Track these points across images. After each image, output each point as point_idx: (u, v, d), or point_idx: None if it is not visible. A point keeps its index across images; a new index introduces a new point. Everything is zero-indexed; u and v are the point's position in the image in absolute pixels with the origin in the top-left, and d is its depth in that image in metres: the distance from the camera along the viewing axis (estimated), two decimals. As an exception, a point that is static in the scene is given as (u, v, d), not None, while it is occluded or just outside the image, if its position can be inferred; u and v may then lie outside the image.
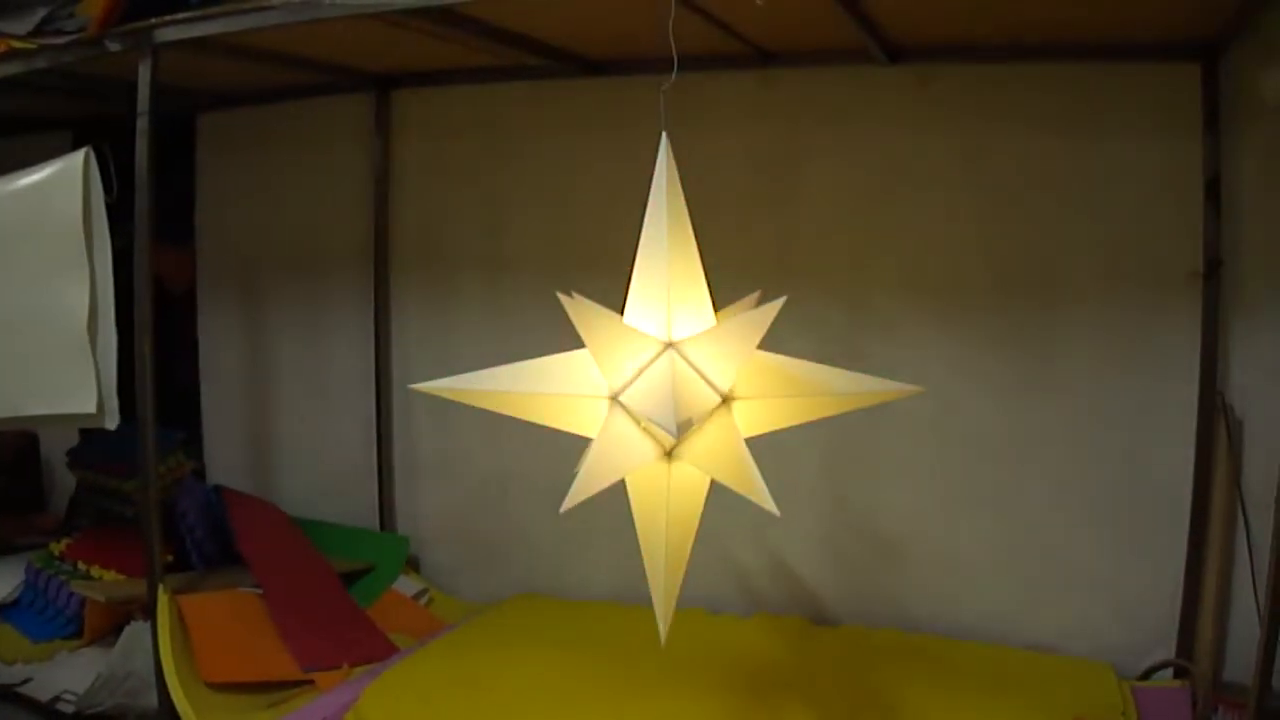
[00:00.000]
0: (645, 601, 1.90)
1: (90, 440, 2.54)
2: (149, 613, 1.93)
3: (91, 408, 1.87)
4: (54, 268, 1.85)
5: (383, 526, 2.73)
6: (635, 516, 1.30)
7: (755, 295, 1.46)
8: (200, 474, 2.96)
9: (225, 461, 3.01)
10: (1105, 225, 1.95)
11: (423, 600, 2.55)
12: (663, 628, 1.31)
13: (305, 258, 2.83)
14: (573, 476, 1.19)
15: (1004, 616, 2.06)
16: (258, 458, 2.96)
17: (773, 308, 1.18)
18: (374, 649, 2.16)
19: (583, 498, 1.23)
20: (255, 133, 2.86)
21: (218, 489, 2.59)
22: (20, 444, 3.07)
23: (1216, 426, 1.86)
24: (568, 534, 2.39)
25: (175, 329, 3.02)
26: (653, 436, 1.21)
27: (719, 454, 1.22)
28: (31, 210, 1.86)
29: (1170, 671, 1.91)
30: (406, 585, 2.57)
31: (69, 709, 1.95)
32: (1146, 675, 1.90)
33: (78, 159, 1.84)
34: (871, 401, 1.30)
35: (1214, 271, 1.85)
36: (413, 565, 2.69)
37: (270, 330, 2.91)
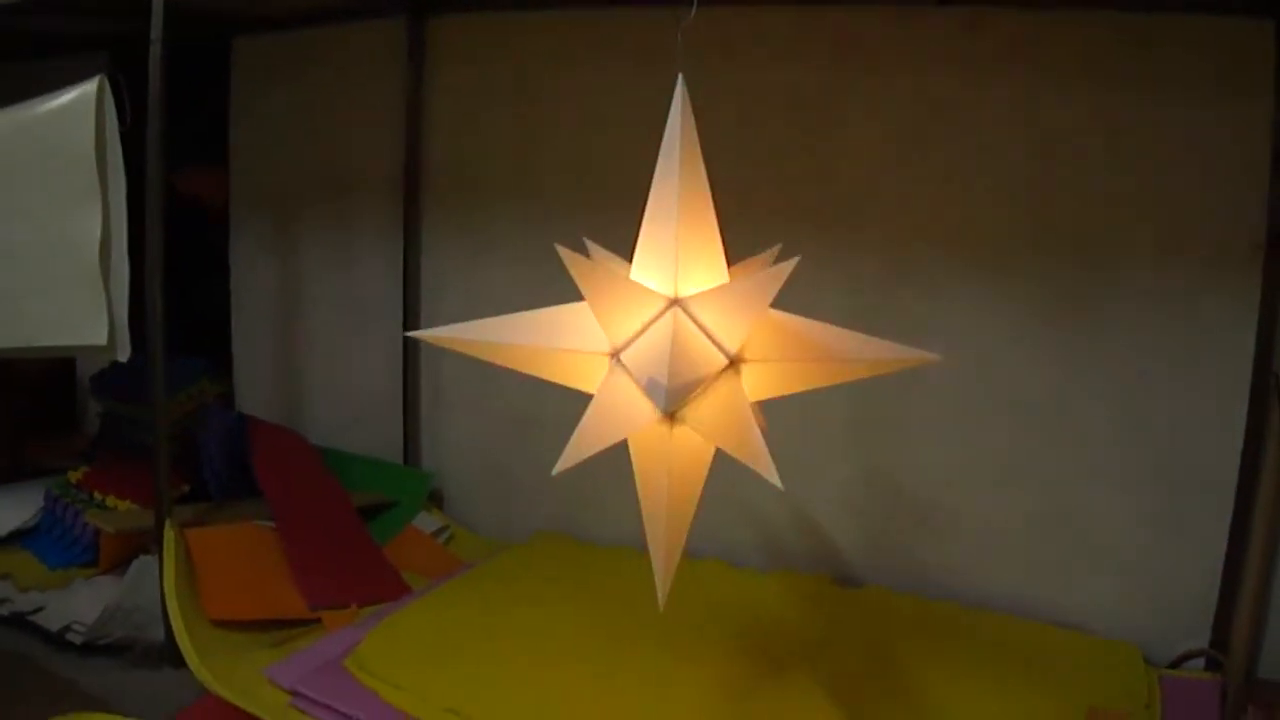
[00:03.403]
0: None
1: (113, 367, 2.53)
2: (155, 546, 1.92)
3: (103, 340, 1.84)
4: (66, 197, 1.81)
5: (407, 460, 2.71)
6: (636, 479, 1.24)
7: (774, 250, 1.38)
8: (230, 400, 2.96)
9: (254, 388, 3.01)
10: (1161, 189, 1.82)
11: (443, 538, 2.52)
12: (661, 595, 1.26)
13: (337, 184, 2.78)
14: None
15: (1031, 590, 1.99)
16: (286, 385, 2.96)
17: (786, 266, 1.11)
18: (386, 589, 2.15)
19: (577, 460, 1.18)
20: (289, 57, 2.81)
21: (241, 417, 2.58)
22: (52, 363, 3.08)
23: (1269, 410, 1.75)
24: (595, 474, 2.32)
25: (213, 249, 3.01)
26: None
27: (723, 419, 1.15)
28: (43, 138, 1.82)
29: (1202, 663, 1.82)
30: (427, 522, 2.55)
31: (78, 639, 1.96)
32: (1176, 664, 1.82)
33: (91, 87, 1.79)
34: (890, 369, 1.22)
35: (1278, 245, 1.73)
36: (436, 501, 2.67)
37: (301, 257, 2.88)
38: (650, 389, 1.04)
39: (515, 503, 2.56)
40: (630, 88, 2.25)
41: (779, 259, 1.27)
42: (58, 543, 2.22)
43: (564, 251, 1.12)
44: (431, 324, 2.62)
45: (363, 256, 2.75)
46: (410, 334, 1.29)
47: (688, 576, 2.17)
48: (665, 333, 1.12)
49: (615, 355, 1.18)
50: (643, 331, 1.17)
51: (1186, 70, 1.79)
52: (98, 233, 1.80)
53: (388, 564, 2.27)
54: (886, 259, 2.06)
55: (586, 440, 1.17)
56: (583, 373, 1.23)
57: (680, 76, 1.18)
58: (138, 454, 2.40)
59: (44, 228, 1.82)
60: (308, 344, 2.91)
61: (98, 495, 2.22)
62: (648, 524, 1.24)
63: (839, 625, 1.94)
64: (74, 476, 2.30)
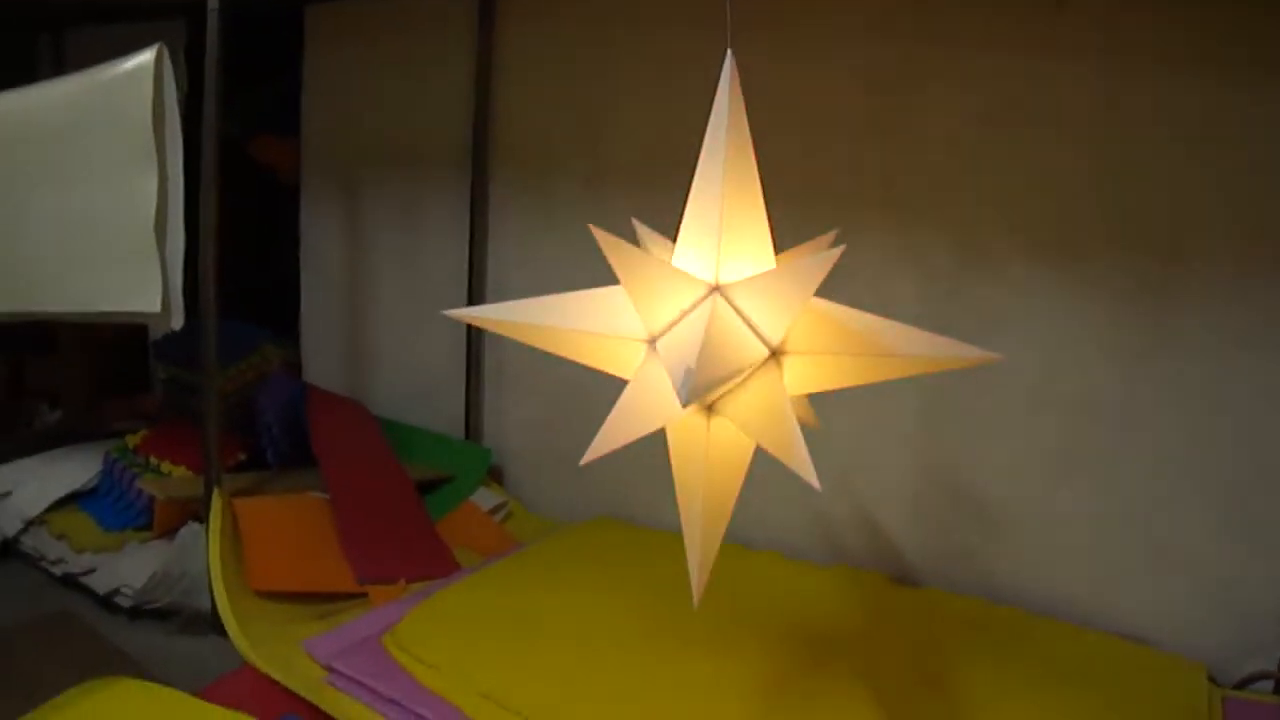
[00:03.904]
0: (731, 539, 1.79)
1: (175, 332, 2.56)
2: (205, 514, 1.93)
3: (156, 307, 1.85)
4: (123, 164, 1.81)
5: (468, 435, 2.70)
6: (674, 471, 1.20)
7: (830, 235, 1.31)
8: (297, 369, 2.99)
9: (321, 358, 3.03)
10: (1246, 186, 1.70)
11: (500, 515, 2.51)
12: (696, 593, 1.21)
13: (406, 155, 2.78)
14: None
15: (1094, 596, 1.89)
16: (352, 356, 2.97)
17: (832, 254, 1.04)
18: (436, 565, 2.13)
19: (606, 450, 1.13)
20: (361, 25, 2.80)
21: (302, 387, 2.59)
22: (128, 324, 3.14)
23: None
24: (657, 456, 2.30)
25: (287, 220, 3.03)
26: (692, 387, 1.10)
27: (761, 413, 1.10)
28: (102, 106, 1.82)
29: (1270, 685, 1.71)
30: (486, 498, 2.54)
31: (126, 603, 1.99)
32: (1242, 685, 1.72)
33: (149, 55, 1.79)
34: (943, 367, 1.14)
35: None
36: (496, 477, 2.65)
37: (369, 228, 2.88)
38: (678, 380, 0.99)
39: (576, 483, 2.53)
40: (704, 58, 2.18)
41: (838, 244, 1.20)
42: (114, 505, 2.25)
43: (599, 234, 1.06)
44: (498, 298, 2.59)
45: (430, 229, 2.73)
46: (447, 312, 1.25)
47: (741, 567, 2.14)
48: (702, 321, 1.06)
49: (653, 342, 1.13)
50: (681, 319, 1.11)
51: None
52: (154, 200, 1.81)
53: (440, 540, 2.25)
54: (960, 248, 1.97)
55: (618, 430, 1.12)
56: (620, 359, 1.18)
57: (730, 52, 1.11)
58: (197, 420, 2.43)
59: (101, 194, 1.83)
60: (374, 316, 2.91)
61: (154, 460, 2.25)
62: (684, 518, 1.19)
63: (891, 626, 1.87)
64: (132, 441, 2.33)
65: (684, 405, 0.94)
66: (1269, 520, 1.73)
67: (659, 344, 1.12)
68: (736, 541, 2.15)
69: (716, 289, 1.10)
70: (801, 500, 2.16)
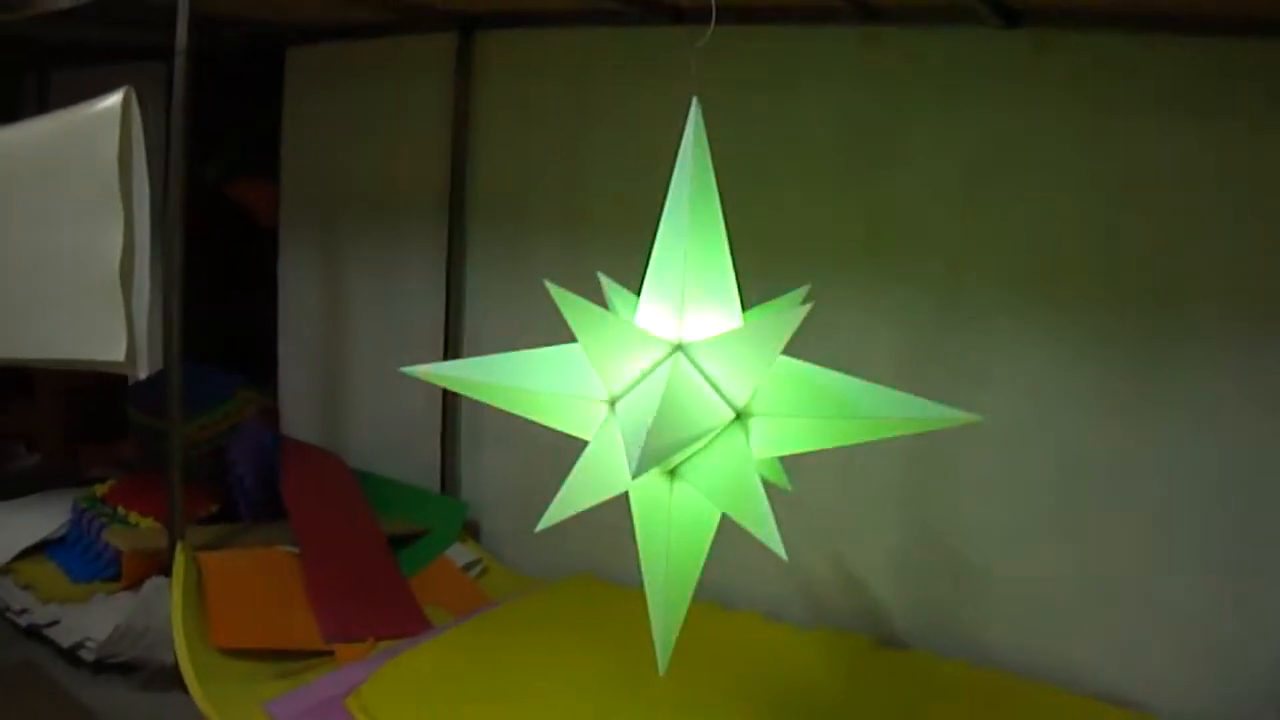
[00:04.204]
0: (710, 596, 1.72)
1: (149, 379, 2.51)
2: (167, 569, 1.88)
3: (120, 355, 1.80)
4: (89, 210, 1.78)
5: (444, 489, 2.64)
6: (638, 537, 1.14)
7: (802, 290, 1.26)
8: (275, 418, 2.93)
9: (299, 405, 2.97)
10: (1238, 227, 1.66)
11: (474, 571, 2.44)
12: (662, 660, 1.15)
13: (384, 200, 2.74)
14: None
15: (1086, 660, 1.82)
16: (329, 404, 2.91)
17: (799, 311, 0.99)
18: (404, 624, 2.07)
19: (563, 516, 1.08)
20: (340, 69, 2.79)
21: (275, 437, 2.54)
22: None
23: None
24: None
25: (265, 264, 2.99)
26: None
27: (725, 479, 1.05)
28: (68, 149, 1.79)
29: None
30: (460, 554, 2.47)
31: (89, 656, 1.93)
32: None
33: (116, 98, 1.76)
34: (920, 429, 1.09)
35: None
36: (472, 532, 2.58)
37: (347, 274, 2.84)
38: (632, 446, 0.93)
39: (554, 538, 2.44)
40: (680, 106, 2.16)
41: (811, 299, 1.16)
42: (83, 556, 2.19)
43: (555, 290, 1.02)
44: (474, 349, 2.55)
45: (408, 277, 2.69)
46: (406, 370, 1.20)
47: (718, 630, 2.07)
48: (661, 383, 1.01)
49: (613, 402, 1.08)
50: (642, 379, 1.06)
51: (1265, 99, 1.63)
52: (118, 245, 1.77)
53: (411, 597, 2.19)
54: (943, 300, 1.92)
55: (576, 495, 1.07)
56: (580, 419, 1.13)
57: (695, 99, 1.08)
58: (166, 469, 2.38)
59: (66, 238, 1.79)
60: (351, 364, 2.86)
61: (122, 510, 2.20)
62: (648, 585, 1.13)
63: (876, 691, 1.81)
64: (100, 490, 2.28)
65: (633, 477, 0.88)
66: (1265, 584, 1.67)
67: (618, 406, 1.07)
68: (713, 599, 2.09)
69: (679, 348, 1.06)
70: (781, 561, 2.09)
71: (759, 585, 2.11)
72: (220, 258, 3.16)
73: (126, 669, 1.94)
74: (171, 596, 1.81)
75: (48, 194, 1.81)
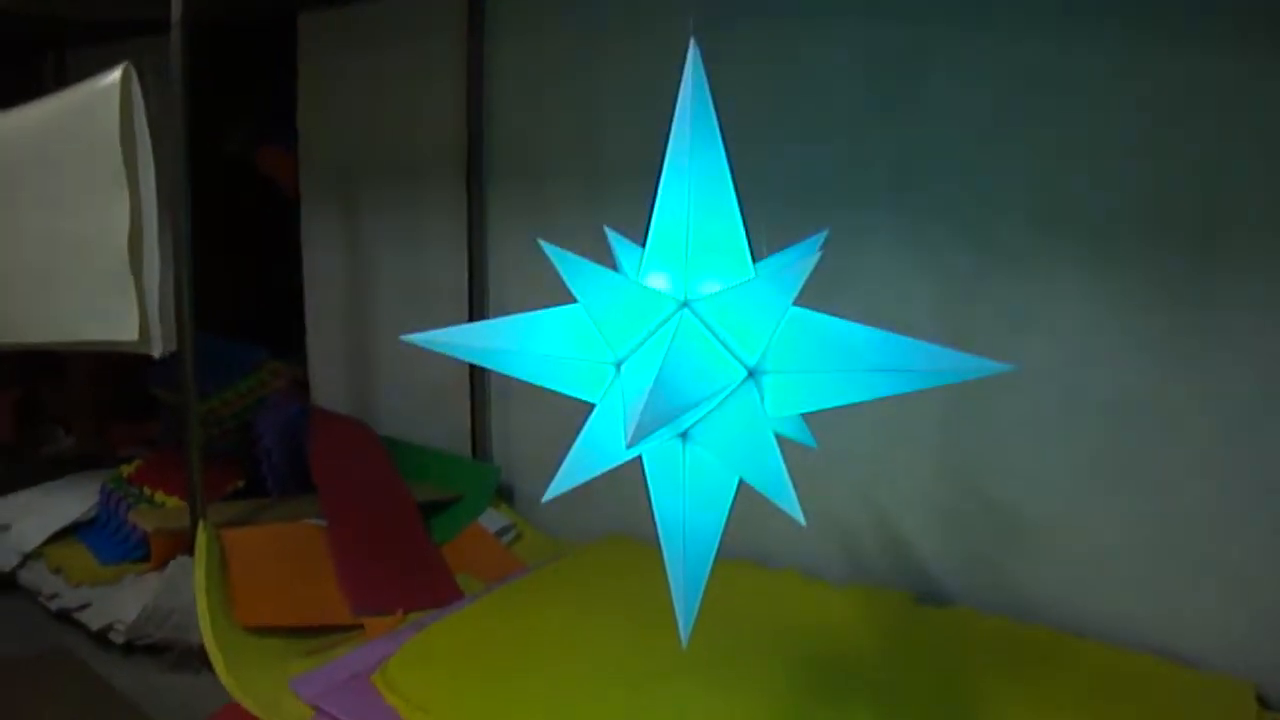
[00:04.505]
0: (747, 556, 1.62)
1: (170, 358, 2.50)
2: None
3: (133, 335, 1.77)
4: (95, 189, 1.74)
5: (475, 454, 2.60)
6: (653, 503, 1.10)
7: (819, 236, 1.19)
8: (305, 388, 2.92)
9: (328, 375, 2.95)
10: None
11: (507, 537, 2.41)
12: (684, 632, 1.11)
13: (403, 164, 2.70)
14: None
15: (1135, 615, 1.75)
16: (358, 372, 2.89)
17: (810, 260, 0.93)
18: (435, 594, 2.05)
19: (569, 486, 1.04)
20: (352, 32, 2.73)
21: (302, 409, 2.51)
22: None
23: None
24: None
25: (291, 234, 2.97)
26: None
27: (739, 441, 0.99)
28: (70, 128, 1.75)
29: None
30: (493, 519, 2.44)
31: (119, 639, 1.92)
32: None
33: (115, 75, 1.72)
34: (946, 382, 1.02)
35: None
36: (505, 496, 2.55)
37: (369, 240, 2.81)
38: (632, 413, 0.88)
39: (587, 500, 2.41)
40: (705, 60, 2.07)
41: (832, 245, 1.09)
42: (112, 538, 2.19)
43: (551, 249, 0.97)
44: (499, 310, 2.50)
45: (430, 240, 2.65)
46: (405, 337, 1.16)
47: (756, 587, 2.03)
48: (665, 343, 0.96)
49: (619, 364, 1.03)
50: (650, 337, 1.01)
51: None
52: (126, 223, 1.73)
53: (441, 566, 2.17)
54: (979, 243, 1.83)
55: (582, 463, 1.02)
56: (587, 383, 1.08)
57: (693, 39, 1.01)
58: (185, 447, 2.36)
59: (72, 219, 1.77)
60: (378, 331, 2.83)
61: (148, 490, 2.19)
62: (666, 555, 1.09)
63: (917, 649, 1.75)
64: (126, 471, 2.27)
65: (629, 446, 0.83)
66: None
67: (624, 367, 1.02)
68: (752, 558, 2.05)
69: (685, 304, 1.00)
70: (820, 513, 2.04)
71: (798, 543, 2.06)
72: (247, 229, 3.15)
73: (156, 651, 1.93)
74: (195, 576, 1.79)
75: (53, 175, 1.79)
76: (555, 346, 1.08)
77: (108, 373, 3.04)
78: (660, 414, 0.86)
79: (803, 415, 1.16)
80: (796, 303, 0.96)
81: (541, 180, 2.42)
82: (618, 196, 2.25)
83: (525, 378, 1.11)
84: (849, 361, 0.99)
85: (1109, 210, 1.71)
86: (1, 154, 1.81)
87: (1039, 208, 1.78)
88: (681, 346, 0.95)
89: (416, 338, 1.15)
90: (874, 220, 1.92)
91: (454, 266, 2.56)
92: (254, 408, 2.43)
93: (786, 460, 0.96)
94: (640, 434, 0.82)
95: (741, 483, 1.02)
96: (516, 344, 1.09)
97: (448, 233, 2.59)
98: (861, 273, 1.90)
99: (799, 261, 0.93)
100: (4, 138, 1.83)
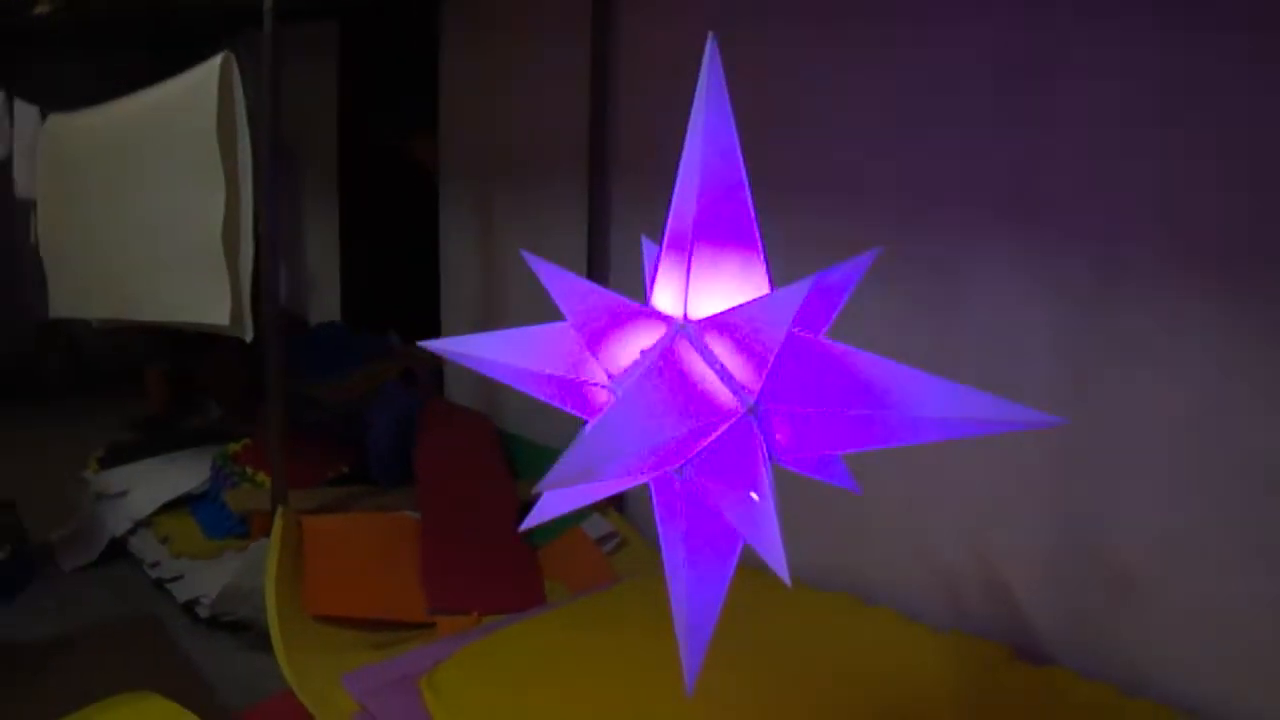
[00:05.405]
0: (845, 587, 1.49)
1: (288, 342, 2.56)
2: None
3: (224, 319, 1.81)
4: (189, 176, 1.79)
5: (590, 455, 2.55)
6: (659, 533, 1.01)
7: (869, 254, 1.05)
8: (439, 376, 2.94)
9: (459, 368, 2.96)
10: None
11: (609, 545, 2.34)
12: (690, 676, 1.02)
13: (532, 153, 2.69)
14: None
15: (1255, 695, 1.53)
16: (487, 365, 2.90)
17: (805, 281, 0.82)
18: (516, 598, 2.00)
19: (550, 516, 0.96)
20: (488, 23, 2.75)
21: (416, 400, 2.53)
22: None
23: None
24: (786, 492, 2.09)
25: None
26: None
27: (731, 480, 0.89)
28: (169, 118, 1.81)
29: None
30: (597, 526, 2.37)
31: (203, 613, 1.97)
32: None
33: (213, 66, 1.75)
34: (982, 433, 0.87)
35: None
36: (616, 502, 2.50)
37: (499, 229, 2.82)
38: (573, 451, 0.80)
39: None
40: (827, 48, 1.94)
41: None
42: (219, 512, 2.25)
43: (535, 261, 0.90)
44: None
45: (553, 233, 2.62)
46: (423, 344, 1.11)
47: (850, 624, 1.89)
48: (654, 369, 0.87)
49: (612, 387, 0.95)
50: (643, 360, 0.92)
51: None
52: (220, 211, 1.77)
53: (531, 570, 2.12)
54: (1098, 260, 1.64)
55: (561, 495, 0.94)
56: (585, 401, 1.00)
57: (711, 36, 0.92)
58: (304, 429, 2.41)
59: (170, 206, 1.82)
60: (505, 324, 2.82)
61: (250, 470, 2.24)
62: (671, 589, 1.00)
63: (1004, 710, 1.58)
64: (233, 449, 2.33)
65: (536, 490, 0.74)
66: None
67: (618, 390, 0.94)
68: (851, 591, 1.91)
69: (684, 325, 0.91)
70: (922, 553, 1.89)
71: (898, 578, 1.91)
72: (396, 216, 3.21)
73: (238, 628, 1.97)
74: (267, 561, 1.82)
75: (157, 161, 1.85)
76: (550, 364, 1.01)
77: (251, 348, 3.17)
78: (587, 460, 0.77)
79: (843, 457, 1.05)
80: (840, 335, 0.85)
81: (663, 172, 2.34)
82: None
83: (527, 391, 1.04)
84: (865, 401, 0.88)
85: (1244, 234, 1.49)
86: (113, 139, 1.88)
87: (1168, 229, 1.57)
88: (666, 374, 0.86)
89: (432, 343, 1.10)
90: (986, 232, 1.75)
91: (577, 255, 2.52)
92: (369, 396, 2.46)
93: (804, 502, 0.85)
94: (553, 482, 0.74)
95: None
96: (515, 358, 1.03)
97: (570, 226, 2.55)
98: (967, 291, 1.73)
99: (797, 283, 0.83)
100: (116, 124, 1.90)
